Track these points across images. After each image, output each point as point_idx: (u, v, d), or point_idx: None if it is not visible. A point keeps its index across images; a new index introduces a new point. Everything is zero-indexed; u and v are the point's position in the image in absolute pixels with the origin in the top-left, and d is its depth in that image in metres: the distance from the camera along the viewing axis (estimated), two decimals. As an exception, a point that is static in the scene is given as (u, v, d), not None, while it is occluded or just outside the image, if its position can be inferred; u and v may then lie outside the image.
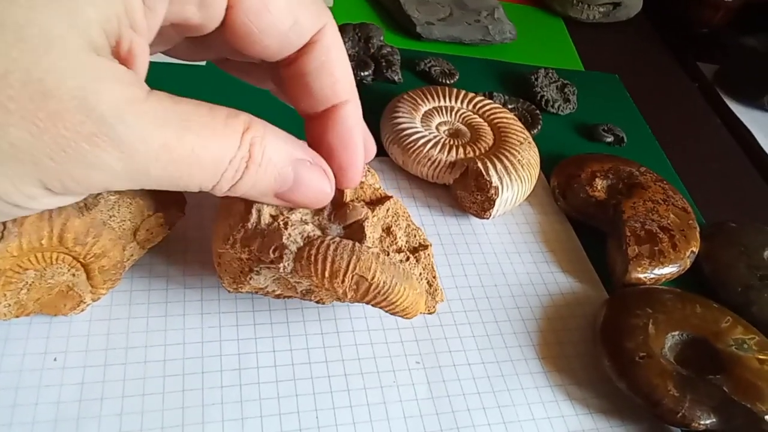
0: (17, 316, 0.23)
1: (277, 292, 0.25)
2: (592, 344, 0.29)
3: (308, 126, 0.23)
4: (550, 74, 0.45)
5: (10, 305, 0.23)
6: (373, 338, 0.27)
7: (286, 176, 0.20)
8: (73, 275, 0.24)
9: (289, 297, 0.26)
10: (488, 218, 0.33)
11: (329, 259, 0.22)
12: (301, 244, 0.22)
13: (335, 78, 0.21)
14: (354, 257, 0.22)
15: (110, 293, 0.25)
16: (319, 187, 0.21)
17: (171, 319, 0.25)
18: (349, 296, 0.22)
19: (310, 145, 0.23)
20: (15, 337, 0.24)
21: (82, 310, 0.24)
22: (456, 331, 0.28)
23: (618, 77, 0.51)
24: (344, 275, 0.22)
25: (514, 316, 0.30)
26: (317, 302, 0.25)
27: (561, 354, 0.29)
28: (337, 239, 0.22)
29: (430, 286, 0.25)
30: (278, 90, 0.25)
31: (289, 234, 0.22)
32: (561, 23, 0.56)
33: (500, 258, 0.32)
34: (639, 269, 0.31)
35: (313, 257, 0.22)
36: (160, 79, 0.36)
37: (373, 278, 0.22)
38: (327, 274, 0.22)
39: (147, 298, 0.26)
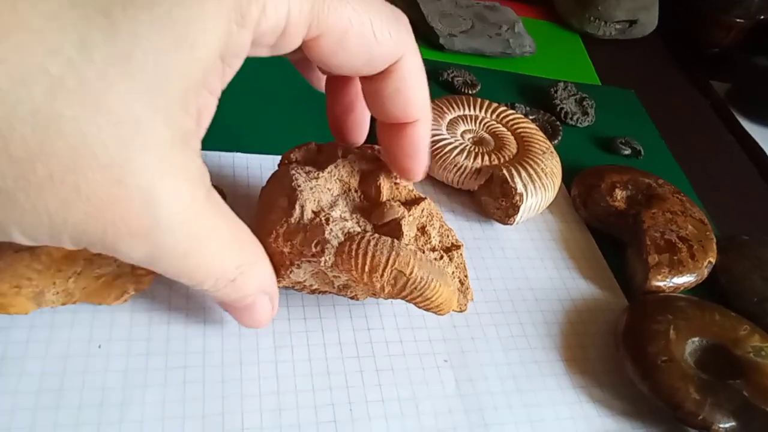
0: (64, 304, 0.24)
1: (314, 287, 0.26)
2: (613, 348, 0.30)
3: (380, 128, 0.25)
4: (569, 87, 0.46)
5: (58, 293, 0.24)
6: (403, 336, 0.28)
7: (246, 300, 0.22)
8: (119, 266, 0.24)
9: (324, 292, 0.26)
10: (512, 224, 0.34)
11: (369, 254, 0.22)
12: (342, 239, 0.23)
13: (408, 102, 0.23)
14: (393, 253, 0.23)
15: (152, 284, 0.26)
16: (261, 319, 0.23)
17: (209, 311, 0.26)
18: (386, 291, 0.23)
19: (379, 142, 0.25)
20: (60, 324, 0.24)
21: (125, 300, 0.25)
22: (482, 332, 0.29)
23: (634, 92, 0.52)
24: (383, 270, 0.23)
25: (538, 319, 0.30)
26: (351, 298, 0.26)
27: (583, 357, 0.29)
28: (377, 236, 0.23)
29: (462, 284, 0.26)
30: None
31: (331, 229, 0.23)
32: (578, 39, 0.58)
33: (523, 263, 0.33)
34: (659, 277, 0.32)
35: (353, 252, 0.23)
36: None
37: (411, 274, 0.23)
38: (367, 269, 0.23)
39: (186, 290, 0.27)
